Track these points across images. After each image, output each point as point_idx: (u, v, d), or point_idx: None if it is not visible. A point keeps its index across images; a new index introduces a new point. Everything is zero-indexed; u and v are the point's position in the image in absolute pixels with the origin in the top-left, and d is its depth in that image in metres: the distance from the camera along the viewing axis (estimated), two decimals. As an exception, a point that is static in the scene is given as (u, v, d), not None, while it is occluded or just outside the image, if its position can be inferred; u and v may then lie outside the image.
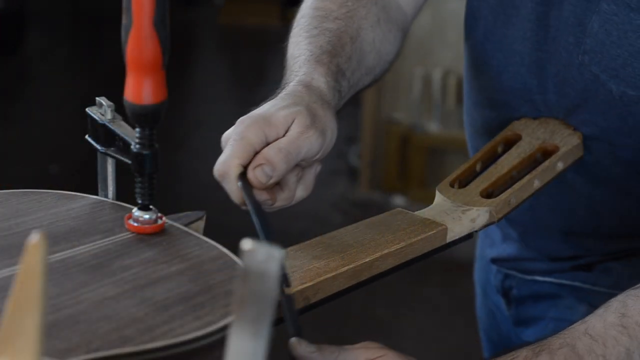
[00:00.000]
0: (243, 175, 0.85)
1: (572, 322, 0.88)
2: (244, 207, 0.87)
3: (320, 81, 0.96)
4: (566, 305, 1.20)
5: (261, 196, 0.87)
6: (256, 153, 0.86)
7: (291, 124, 0.88)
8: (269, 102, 0.92)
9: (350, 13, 1.07)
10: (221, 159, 0.87)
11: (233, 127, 0.88)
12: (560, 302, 1.21)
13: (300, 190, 0.91)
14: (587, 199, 1.12)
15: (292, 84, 0.95)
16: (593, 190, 1.11)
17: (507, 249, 1.26)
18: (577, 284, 1.19)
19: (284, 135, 0.87)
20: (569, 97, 1.06)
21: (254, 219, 0.83)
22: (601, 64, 1.01)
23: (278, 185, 0.89)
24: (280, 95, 0.93)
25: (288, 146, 0.86)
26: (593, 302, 1.17)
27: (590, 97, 1.04)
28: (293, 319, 0.79)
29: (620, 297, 0.88)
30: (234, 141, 0.86)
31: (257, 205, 0.85)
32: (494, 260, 1.29)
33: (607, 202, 1.11)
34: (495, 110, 1.15)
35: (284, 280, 0.81)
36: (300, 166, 0.90)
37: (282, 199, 0.90)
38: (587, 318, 0.87)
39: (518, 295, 1.26)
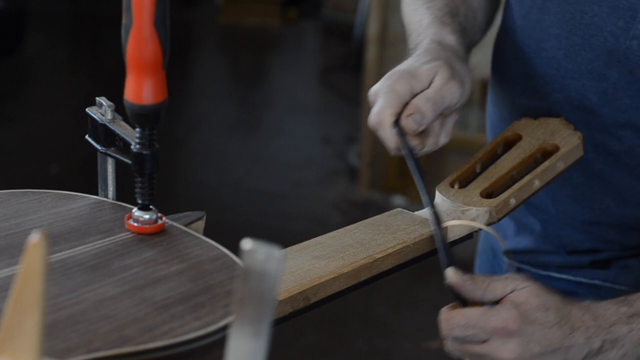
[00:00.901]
0: (396, 123, 0.96)
1: None
2: (396, 153, 0.98)
3: (450, 39, 1.07)
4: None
5: (412, 142, 0.98)
6: (405, 104, 0.97)
7: (434, 76, 0.98)
8: (410, 59, 1.02)
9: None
10: (375, 109, 0.98)
11: (381, 81, 0.99)
12: (575, 299, 1.20)
13: (443, 136, 1.02)
14: (616, 188, 1.12)
15: (425, 42, 1.06)
16: (622, 180, 1.10)
17: (522, 242, 1.25)
18: (596, 282, 1.19)
19: (428, 87, 0.98)
20: (606, 84, 1.06)
21: (409, 161, 0.96)
22: None
23: (424, 132, 0.99)
24: (418, 52, 1.04)
25: (434, 96, 0.97)
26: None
27: (631, 82, 1.04)
28: (447, 250, 0.91)
29: None
30: (385, 94, 0.97)
31: (410, 149, 0.97)
32: (506, 253, 1.28)
33: (635, 191, 1.11)
34: (526, 97, 1.15)
35: (436, 216, 0.94)
36: (442, 115, 1.00)
37: (429, 144, 1.00)
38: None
39: None
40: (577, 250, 1.19)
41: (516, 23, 1.15)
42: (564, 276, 1.22)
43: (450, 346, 0.91)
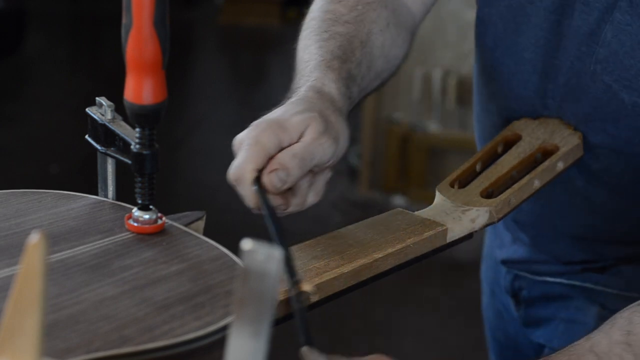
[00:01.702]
0: (257, 180, 0.86)
1: (582, 323, 0.88)
2: (257, 212, 0.87)
3: (332, 87, 0.97)
4: (577, 307, 1.20)
5: (275, 201, 0.88)
6: (270, 158, 0.87)
7: (305, 129, 0.88)
8: (281, 107, 0.92)
9: (360, 17, 1.06)
10: (236, 163, 0.87)
11: (246, 130, 0.88)
12: (571, 303, 1.20)
13: (311, 195, 0.92)
14: (599, 206, 1.11)
15: (303, 89, 0.96)
16: (604, 197, 1.10)
17: (517, 251, 1.26)
18: (588, 285, 1.19)
19: (297, 141, 0.88)
20: (580, 106, 1.06)
21: (269, 223, 0.84)
22: (614, 74, 1.01)
23: (290, 190, 0.90)
24: (292, 100, 0.94)
25: (302, 152, 0.87)
26: (604, 303, 1.17)
27: (601, 106, 1.04)
28: (304, 326, 0.78)
29: (626, 314, 0.86)
30: (249, 145, 0.87)
31: (271, 209, 0.85)
32: (504, 262, 1.28)
33: (619, 209, 1.10)
34: (503, 117, 1.14)
35: (295, 285, 0.80)
36: (312, 172, 0.90)
37: (294, 204, 0.91)
38: (592, 334, 0.86)
39: (528, 296, 1.26)
40: (570, 261, 1.20)
41: (490, 44, 1.13)
42: (558, 280, 1.22)
43: None
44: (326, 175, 0.93)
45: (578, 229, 1.16)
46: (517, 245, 1.26)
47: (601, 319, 0.91)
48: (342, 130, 0.93)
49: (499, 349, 1.36)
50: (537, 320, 1.25)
